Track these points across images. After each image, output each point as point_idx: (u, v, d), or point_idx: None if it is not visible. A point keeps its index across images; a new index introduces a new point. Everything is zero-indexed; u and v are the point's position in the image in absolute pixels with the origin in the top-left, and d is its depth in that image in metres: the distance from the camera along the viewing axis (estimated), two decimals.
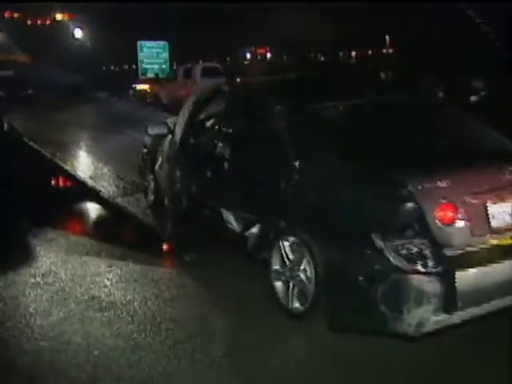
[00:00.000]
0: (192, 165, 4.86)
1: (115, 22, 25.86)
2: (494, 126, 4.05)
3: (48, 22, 16.72)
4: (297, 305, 3.77)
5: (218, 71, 21.03)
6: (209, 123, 5.01)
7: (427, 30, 27.19)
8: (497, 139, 3.96)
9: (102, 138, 9.21)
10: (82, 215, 6.62)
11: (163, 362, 3.30)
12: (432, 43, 25.19)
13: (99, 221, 6.42)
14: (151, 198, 6.22)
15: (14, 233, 5.87)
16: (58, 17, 16.29)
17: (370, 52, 41.44)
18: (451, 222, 3.12)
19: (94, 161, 8.07)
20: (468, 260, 3.11)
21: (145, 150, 6.44)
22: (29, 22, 16.61)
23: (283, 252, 3.89)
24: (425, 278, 3.00)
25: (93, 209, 6.81)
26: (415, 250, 3.03)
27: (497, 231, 3.25)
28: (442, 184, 3.13)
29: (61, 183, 7.36)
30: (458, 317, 3.08)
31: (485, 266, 3.13)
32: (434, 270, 2.99)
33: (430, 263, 3.00)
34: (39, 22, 16.60)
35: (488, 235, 3.23)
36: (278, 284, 3.94)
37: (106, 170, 7.62)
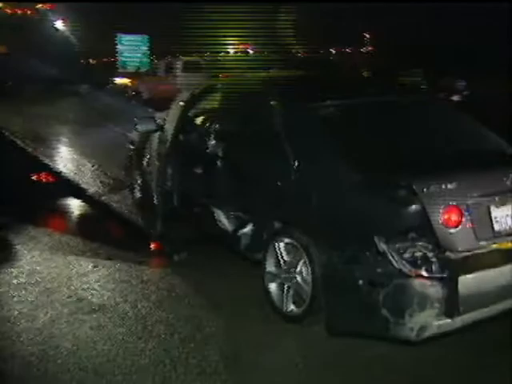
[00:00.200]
0: (184, 162, 4.74)
1: (96, 14, 25.47)
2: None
3: (29, 12, 16.28)
4: (292, 307, 3.70)
5: (200, 66, 20.84)
6: (202, 120, 4.88)
7: (411, 29, 27.41)
8: (496, 141, 3.94)
9: (85, 133, 8.98)
10: (66, 212, 6.39)
11: (157, 367, 3.18)
12: (417, 42, 25.39)
13: (83, 218, 6.22)
14: (138, 195, 6.07)
15: None
16: (39, 7, 15.88)
17: (348, 50, 41.62)
18: (456, 226, 3.09)
19: (77, 156, 7.86)
20: (471, 264, 3.07)
21: (131, 147, 6.28)
22: (8, 12, 16.14)
23: (278, 253, 3.82)
24: (428, 283, 2.95)
25: (76, 206, 6.60)
26: (419, 253, 2.98)
27: (499, 235, 3.24)
28: (447, 187, 3.09)
29: (43, 179, 7.14)
30: (459, 321, 3.04)
31: (487, 270, 3.10)
32: (438, 275, 2.94)
33: (434, 267, 2.96)
34: (19, 11, 16.14)
35: (491, 239, 3.20)
36: (273, 286, 3.86)
37: (89, 165, 7.42)
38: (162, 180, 4.84)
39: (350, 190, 3.30)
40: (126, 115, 10.21)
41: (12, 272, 4.57)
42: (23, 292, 4.20)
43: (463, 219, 3.10)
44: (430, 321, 2.97)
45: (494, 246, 3.22)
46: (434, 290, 2.94)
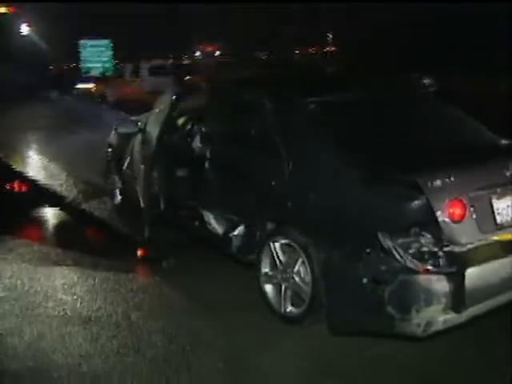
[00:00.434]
0: (170, 165, 4.60)
1: (60, 19, 24.98)
2: None
3: None
4: (291, 308, 3.62)
5: (166, 69, 20.66)
6: (188, 121, 4.75)
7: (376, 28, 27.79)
8: (488, 134, 3.94)
9: (58, 139, 8.70)
10: (43, 222, 6.13)
11: (160, 379, 3.03)
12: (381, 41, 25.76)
13: (63, 227, 5.94)
14: (118, 199, 5.88)
15: None
16: (2, 10, 15.33)
17: (311, 50, 41.98)
18: (460, 219, 3.05)
19: (50, 163, 7.58)
20: (476, 257, 3.04)
21: (109, 150, 6.09)
22: None
23: (274, 254, 3.73)
24: (435, 278, 2.91)
25: (54, 214, 6.33)
26: (425, 248, 2.93)
27: (501, 227, 3.22)
28: (451, 181, 3.05)
29: (16, 188, 6.83)
30: (465, 315, 3.00)
31: (490, 262, 3.07)
32: (446, 270, 2.90)
33: (442, 262, 2.91)
34: None
35: (494, 231, 3.18)
36: (269, 287, 3.78)
37: (64, 172, 7.16)
38: (147, 183, 4.67)
39: (350, 187, 3.23)
40: (97, 120, 10.02)
41: None
42: (6, 307, 3.97)
43: (467, 212, 3.07)
44: (436, 316, 2.93)
45: (496, 237, 3.20)
46: (441, 284, 2.90)
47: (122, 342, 3.43)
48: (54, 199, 6.43)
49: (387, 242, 2.95)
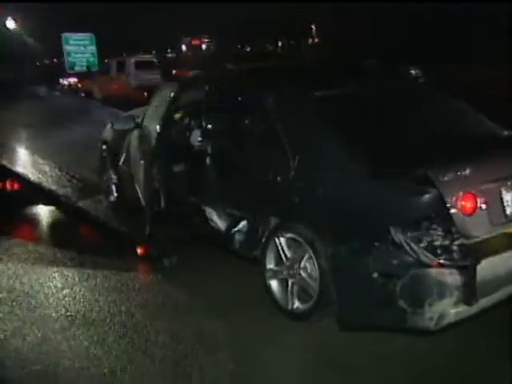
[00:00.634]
0: (171, 160, 4.50)
1: (45, 13, 24.57)
2: None
3: None
4: (298, 304, 3.58)
5: (153, 64, 20.44)
6: (189, 116, 4.65)
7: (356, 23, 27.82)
8: (491, 125, 3.91)
9: (49, 135, 8.53)
10: (38, 221, 6.01)
11: (171, 381, 2.97)
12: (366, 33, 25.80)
13: (59, 226, 5.83)
14: (114, 195, 5.78)
15: None
16: None
17: (291, 42, 41.84)
18: (472, 212, 3.01)
19: (42, 160, 7.42)
20: (486, 249, 3.01)
21: (104, 147, 5.97)
22: None
23: (279, 249, 3.67)
24: (447, 271, 2.87)
25: (49, 213, 6.22)
26: (438, 242, 2.89)
27: (511, 219, 3.18)
28: (462, 173, 3.01)
29: (8, 187, 6.68)
30: (475, 307, 2.98)
31: (499, 254, 3.04)
32: (457, 263, 2.86)
33: (454, 255, 2.87)
34: None
35: (504, 223, 3.15)
36: (274, 283, 3.73)
37: (56, 169, 7.01)
38: (147, 180, 4.58)
39: (359, 181, 3.17)
40: (88, 115, 9.88)
41: None
42: (6, 309, 3.88)
43: (479, 205, 3.04)
44: (448, 309, 2.91)
45: (506, 230, 3.17)
46: (454, 278, 2.87)
47: (129, 343, 3.36)
48: (47, 197, 6.31)
49: (399, 236, 2.91)
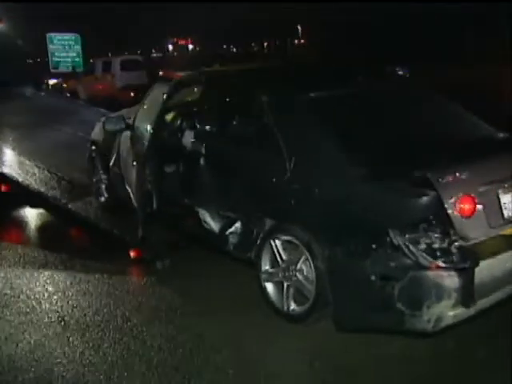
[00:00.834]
0: (164, 162, 4.45)
1: (31, 13, 24.33)
2: None
3: None
4: (294, 306, 3.56)
5: (139, 64, 20.30)
6: (182, 117, 4.59)
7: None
8: (485, 127, 3.92)
9: (36, 136, 8.40)
10: (27, 223, 5.92)
11: None
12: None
13: (48, 228, 5.75)
14: (105, 196, 5.71)
15: None
16: None
17: (277, 43, 41.84)
18: (471, 214, 3.01)
19: (30, 161, 7.28)
20: (485, 252, 3.01)
21: (93, 147, 5.89)
22: None
23: (275, 251, 3.65)
24: (445, 273, 2.87)
25: (38, 216, 6.12)
26: (437, 245, 2.88)
27: (508, 221, 3.19)
28: (461, 176, 3.01)
29: None
30: (473, 309, 2.98)
31: (497, 256, 3.05)
32: (456, 265, 2.85)
33: (452, 257, 2.87)
34: None
35: (502, 225, 3.16)
36: (270, 286, 3.70)
37: (45, 171, 6.89)
38: (140, 181, 4.52)
39: (357, 183, 3.15)
40: (76, 116, 9.76)
41: None
42: None
43: (477, 207, 3.04)
44: (446, 311, 2.90)
45: (504, 232, 3.18)
46: (452, 280, 2.87)
47: (125, 348, 3.30)
48: (36, 199, 6.19)
49: (397, 238, 2.90)
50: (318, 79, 4.01)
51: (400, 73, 15.50)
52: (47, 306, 3.90)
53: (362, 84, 4.02)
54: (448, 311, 2.91)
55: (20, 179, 6.57)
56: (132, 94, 15.78)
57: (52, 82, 22.72)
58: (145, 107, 4.74)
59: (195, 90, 4.52)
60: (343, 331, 3.29)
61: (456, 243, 2.89)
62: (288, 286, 3.56)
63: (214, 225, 4.20)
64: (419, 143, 3.41)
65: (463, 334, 3.24)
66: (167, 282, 4.22)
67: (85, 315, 3.73)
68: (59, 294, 4.09)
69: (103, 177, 5.70)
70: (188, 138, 4.31)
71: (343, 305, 3.23)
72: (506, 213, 3.18)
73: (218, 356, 3.20)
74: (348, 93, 3.80)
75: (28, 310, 3.85)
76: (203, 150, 4.15)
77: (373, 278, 2.99)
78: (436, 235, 2.89)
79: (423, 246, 2.88)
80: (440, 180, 2.93)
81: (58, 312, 3.79)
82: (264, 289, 3.70)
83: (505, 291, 3.16)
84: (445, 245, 2.88)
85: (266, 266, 3.71)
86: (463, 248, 2.90)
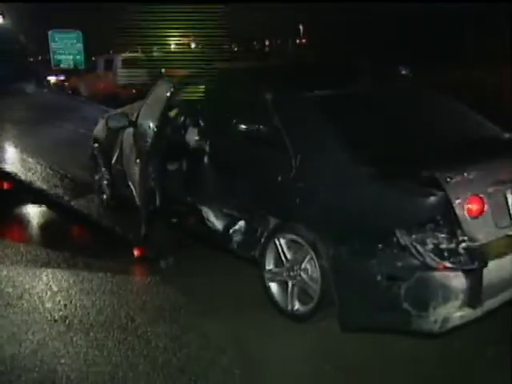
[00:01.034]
0: (167, 159, 4.42)
1: (32, 9, 24.24)
2: None
3: None
4: (298, 306, 3.54)
5: (141, 61, 20.23)
6: (186, 114, 4.56)
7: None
8: (491, 127, 3.89)
9: (38, 133, 8.33)
10: (30, 221, 5.86)
11: None
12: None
13: (51, 226, 5.69)
14: (107, 194, 5.68)
15: None
16: None
17: (278, 42, 41.65)
18: (479, 215, 2.99)
19: (32, 159, 7.25)
20: (491, 253, 2.99)
21: (96, 145, 5.85)
22: None
23: (279, 251, 3.62)
24: (452, 274, 2.85)
25: (40, 213, 6.07)
26: (444, 245, 2.86)
27: None
28: (469, 176, 2.98)
29: None
30: (480, 310, 2.96)
31: (504, 257, 3.03)
32: (464, 266, 2.83)
33: (460, 258, 2.85)
34: None
35: (509, 226, 3.13)
36: (274, 285, 3.68)
37: (47, 168, 6.85)
38: (143, 179, 4.49)
39: (363, 182, 3.12)
40: (78, 113, 9.72)
41: None
42: None
43: (485, 208, 3.01)
44: (452, 312, 2.89)
45: (510, 232, 3.14)
46: (459, 281, 2.85)
47: (130, 347, 3.27)
48: (38, 196, 6.16)
49: (405, 238, 2.87)
50: (324, 78, 3.98)
51: (403, 72, 15.55)
52: (50, 304, 3.87)
53: (368, 83, 3.98)
54: (455, 312, 2.89)
55: (22, 176, 6.54)
56: (134, 92, 15.77)
57: (53, 79, 22.67)
58: (148, 104, 4.70)
59: (199, 87, 4.48)
60: (348, 331, 3.27)
61: (464, 244, 2.87)
62: (292, 285, 3.54)
63: (218, 223, 4.18)
64: (426, 143, 3.39)
65: (470, 334, 3.22)
66: (171, 281, 4.19)
67: (88, 314, 3.70)
68: (62, 292, 4.05)
69: (105, 174, 5.66)
70: (192, 135, 4.28)
71: (348, 305, 3.21)
72: None
73: (224, 356, 3.17)
74: (354, 92, 3.78)
75: (31, 308, 3.81)
76: (207, 148, 4.12)
77: (379, 277, 2.97)
78: (444, 235, 2.87)
79: (431, 247, 2.86)
80: (448, 180, 2.90)
81: (61, 311, 3.76)
82: (268, 288, 3.69)
83: (509, 293, 3.13)
84: (452, 245, 2.85)
85: (270, 265, 3.69)
86: (471, 249, 2.88)
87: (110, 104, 10.09)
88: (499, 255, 3.00)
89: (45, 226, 5.73)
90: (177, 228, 4.73)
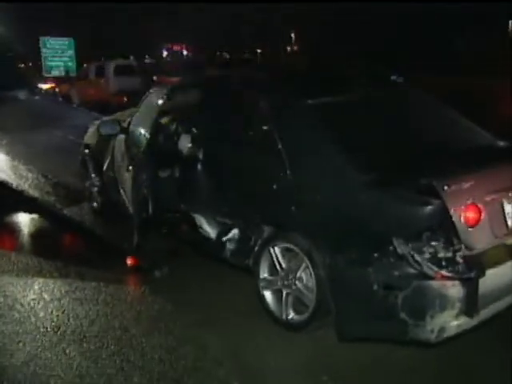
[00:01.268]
0: (160, 167, 4.38)
1: (22, 15, 24.19)
2: None
3: None
4: (293, 315, 3.51)
5: (133, 69, 20.23)
6: (179, 121, 4.53)
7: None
8: (485, 134, 3.90)
9: (29, 140, 8.31)
10: (21, 229, 5.77)
11: None
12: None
13: (42, 235, 5.61)
14: (98, 202, 5.63)
15: None
16: None
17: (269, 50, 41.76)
18: (476, 224, 2.97)
19: (22, 165, 7.19)
20: (489, 261, 2.98)
21: (86, 151, 5.81)
22: None
23: (274, 259, 3.60)
24: (449, 283, 2.83)
25: (33, 222, 5.99)
26: (442, 254, 2.84)
27: None
28: (466, 184, 2.97)
29: None
30: (476, 319, 2.95)
31: (500, 266, 3.02)
32: (461, 275, 2.81)
33: (458, 267, 2.83)
34: None
35: (506, 235, 3.12)
36: (268, 294, 3.66)
37: (40, 175, 6.80)
38: (136, 187, 4.45)
39: (360, 190, 3.10)
40: (70, 120, 9.67)
41: None
42: None
43: (482, 216, 2.99)
44: (449, 321, 2.87)
45: (508, 242, 3.14)
46: (456, 290, 2.84)
47: (125, 359, 3.21)
48: (29, 204, 6.09)
49: (402, 247, 2.85)
50: (319, 85, 3.96)
51: (398, 80, 15.60)
52: (42, 314, 3.80)
53: (364, 91, 3.96)
54: (451, 321, 2.87)
55: (14, 184, 6.47)
56: (125, 99, 15.75)
57: (45, 86, 22.59)
58: (140, 111, 4.67)
59: (192, 94, 4.45)
60: (345, 341, 3.24)
61: (461, 252, 2.85)
62: (287, 294, 3.53)
63: (211, 231, 4.15)
64: (424, 151, 3.38)
65: (467, 343, 3.21)
66: (166, 291, 4.13)
67: (81, 325, 3.64)
68: (54, 302, 3.99)
69: (96, 181, 5.62)
70: (185, 142, 4.25)
71: (345, 314, 3.19)
72: (510, 222, 3.14)
73: (221, 368, 3.13)
74: (351, 99, 3.76)
75: (22, 319, 3.75)
76: (200, 155, 4.10)
77: (375, 286, 2.95)
78: (440, 244, 2.85)
79: (428, 255, 2.84)
80: (445, 188, 2.88)
81: (53, 321, 3.70)
82: (262, 297, 3.66)
83: (507, 301, 3.14)
84: (450, 254, 2.84)
85: (264, 274, 3.67)
86: (468, 257, 2.87)
87: (101, 111, 10.06)
88: (496, 264, 2.99)
89: (36, 234, 5.65)
90: (170, 236, 4.68)
